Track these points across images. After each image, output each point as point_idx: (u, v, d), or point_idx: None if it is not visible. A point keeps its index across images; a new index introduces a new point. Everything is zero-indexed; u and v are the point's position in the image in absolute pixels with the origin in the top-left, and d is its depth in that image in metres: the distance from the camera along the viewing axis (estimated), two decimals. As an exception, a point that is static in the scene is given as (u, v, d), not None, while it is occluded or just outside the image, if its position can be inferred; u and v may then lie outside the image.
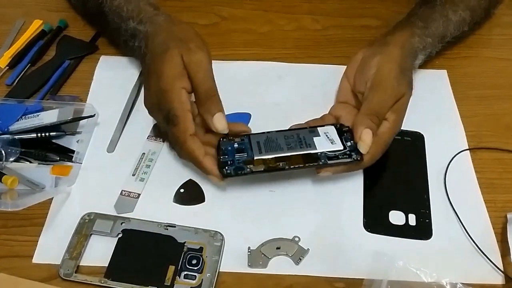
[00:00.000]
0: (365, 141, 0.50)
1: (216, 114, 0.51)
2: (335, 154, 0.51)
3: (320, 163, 0.51)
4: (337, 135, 0.53)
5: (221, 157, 0.51)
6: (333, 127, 0.54)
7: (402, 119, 0.54)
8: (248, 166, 0.50)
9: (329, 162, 0.51)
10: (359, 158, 0.51)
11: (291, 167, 0.50)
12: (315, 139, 0.52)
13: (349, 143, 0.52)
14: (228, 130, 0.52)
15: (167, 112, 0.51)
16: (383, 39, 0.57)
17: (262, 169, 0.50)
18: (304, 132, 0.53)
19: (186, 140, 0.50)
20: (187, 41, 0.52)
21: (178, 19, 0.58)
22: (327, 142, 0.52)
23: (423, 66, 0.67)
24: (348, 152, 0.51)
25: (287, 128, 0.55)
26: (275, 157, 0.51)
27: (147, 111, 0.56)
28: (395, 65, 0.54)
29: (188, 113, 0.51)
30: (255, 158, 0.51)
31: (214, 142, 0.54)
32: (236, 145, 0.52)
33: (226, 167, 0.50)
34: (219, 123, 0.51)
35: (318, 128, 0.54)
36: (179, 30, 0.55)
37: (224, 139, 0.53)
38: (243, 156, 0.51)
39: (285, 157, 0.51)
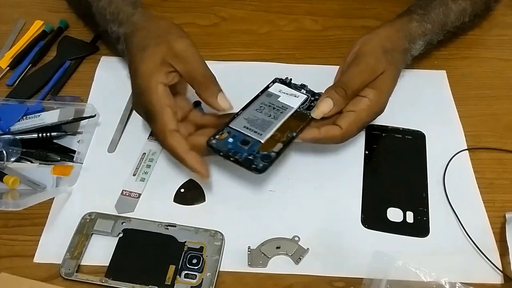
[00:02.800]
0: (319, 107, 0.51)
1: (219, 95, 0.51)
2: (308, 104, 0.54)
3: (310, 117, 0.52)
4: (288, 87, 0.56)
5: (237, 157, 0.48)
6: (276, 83, 0.56)
7: (384, 97, 0.54)
8: (270, 151, 0.49)
9: (312, 115, 0.52)
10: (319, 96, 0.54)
11: (297, 131, 0.51)
12: (280, 100, 0.54)
13: (303, 90, 0.56)
14: (232, 108, 0.52)
15: (146, 110, 0.51)
16: (382, 24, 0.58)
17: (282, 146, 0.49)
18: (264, 98, 0.54)
19: (166, 137, 0.49)
20: (166, 35, 0.52)
21: (155, 14, 0.57)
22: (291, 97, 0.54)
23: (422, 66, 0.67)
24: (312, 98, 0.55)
25: (244, 105, 0.53)
26: (277, 130, 0.51)
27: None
28: (376, 44, 0.54)
29: (167, 108, 0.50)
30: (263, 141, 0.50)
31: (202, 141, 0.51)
32: (230, 140, 0.49)
33: (254, 163, 0.48)
34: (224, 103, 0.51)
35: (269, 90, 0.55)
36: (156, 27, 0.54)
37: (213, 140, 0.49)
38: (252, 146, 0.49)
39: (283, 126, 0.51)
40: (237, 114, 0.52)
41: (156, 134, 0.51)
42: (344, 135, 0.52)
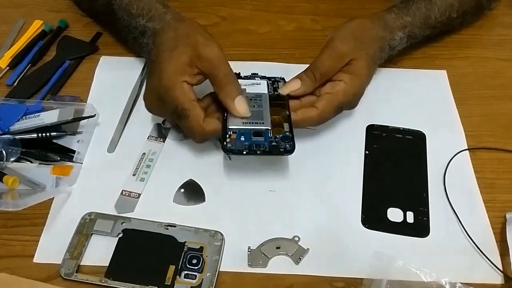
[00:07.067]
0: (287, 85, 0.55)
1: (237, 97, 0.51)
2: (272, 87, 0.56)
3: (285, 95, 0.55)
4: (244, 80, 0.57)
5: (262, 148, 0.49)
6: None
7: (360, 81, 0.55)
8: (284, 132, 0.50)
9: (279, 91, 0.55)
10: (283, 77, 0.58)
11: (287, 108, 0.53)
12: (249, 91, 0.55)
13: (257, 78, 0.57)
14: (250, 114, 0.52)
15: (174, 108, 0.51)
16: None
17: (288, 125, 0.51)
18: None
19: (204, 127, 0.51)
20: (195, 35, 0.53)
21: (186, 16, 0.58)
22: (255, 86, 0.56)
23: (422, 66, 0.67)
24: (270, 82, 0.57)
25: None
26: (272, 115, 0.52)
27: (145, 107, 0.56)
28: (347, 31, 0.57)
29: (194, 102, 0.52)
30: (270, 127, 0.51)
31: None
32: (242, 138, 0.50)
33: (281, 147, 0.49)
34: (241, 107, 0.51)
35: None
36: (186, 27, 0.55)
37: (228, 145, 0.50)
38: (266, 135, 0.50)
39: (273, 110, 0.53)
40: (225, 117, 0.52)
41: (189, 128, 0.52)
42: (320, 115, 0.54)
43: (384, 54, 0.60)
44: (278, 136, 0.50)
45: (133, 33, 0.60)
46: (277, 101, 0.54)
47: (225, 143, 0.50)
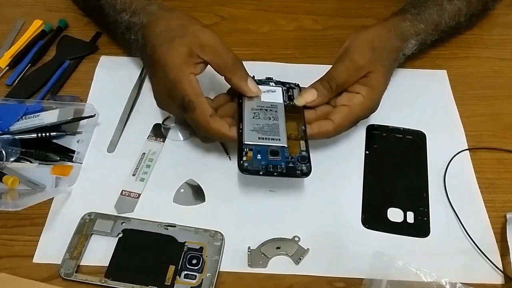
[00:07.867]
0: (303, 96, 0.54)
1: (248, 79, 0.52)
2: (287, 95, 0.55)
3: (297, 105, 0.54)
4: (260, 86, 0.55)
5: (279, 169, 0.48)
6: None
7: (377, 95, 0.55)
8: (300, 151, 0.50)
9: (295, 102, 0.55)
10: (298, 84, 0.57)
11: (303, 122, 0.52)
12: (264, 100, 0.54)
13: (272, 83, 0.56)
14: (261, 93, 0.54)
15: (181, 101, 0.50)
16: (375, 22, 0.59)
17: (305, 143, 0.51)
18: (250, 104, 0.53)
19: (209, 122, 0.50)
20: (189, 25, 0.52)
21: (170, 6, 0.57)
22: (270, 94, 0.55)
23: (422, 65, 0.67)
24: (286, 87, 0.56)
25: (238, 115, 0.53)
26: (288, 129, 0.51)
27: (155, 103, 0.56)
28: (364, 41, 0.55)
29: (202, 96, 0.51)
30: (286, 145, 0.50)
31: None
32: (259, 156, 0.49)
33: (298, 168, 0.49)
34: (253, 86, 0.53)
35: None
36: (176, 16, 0.54)
37: (245, 164, 0.48)
38: (282, 154, 0.50)
39: (289, 124, 0.52)
40: (241, 129, 0.51)
41: (195, 122, 0.51)
42: (336, 129, 0.53)
43: (397, 63, 0.60)
44: (294, 156, 0.49)
45: (120, 29, 0.59)
46: (292, 112, 0.54)
47: (241, 161, 0.48)
